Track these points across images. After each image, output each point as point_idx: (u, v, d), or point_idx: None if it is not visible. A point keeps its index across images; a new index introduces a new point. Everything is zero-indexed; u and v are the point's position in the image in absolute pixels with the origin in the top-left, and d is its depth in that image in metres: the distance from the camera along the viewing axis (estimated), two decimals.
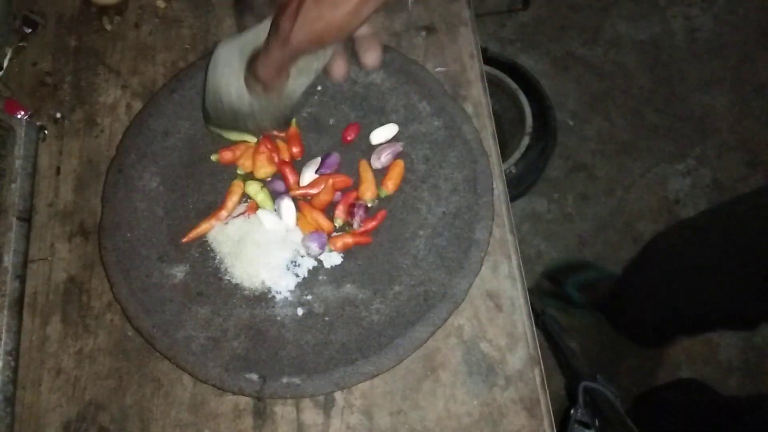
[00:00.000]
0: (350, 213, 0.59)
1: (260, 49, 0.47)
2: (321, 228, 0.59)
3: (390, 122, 0.63)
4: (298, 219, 0.59)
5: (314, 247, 0.57)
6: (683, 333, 1.25)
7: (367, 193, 0.60)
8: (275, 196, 0.61)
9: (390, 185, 0.60)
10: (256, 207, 0.60)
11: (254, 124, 0.53)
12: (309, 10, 0.43)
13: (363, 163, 0.61)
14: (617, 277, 1.26)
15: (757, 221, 0.81)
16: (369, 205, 0.60)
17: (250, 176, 0.62)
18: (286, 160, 0.62)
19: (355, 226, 0.59)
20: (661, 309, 1.03)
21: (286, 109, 0.52)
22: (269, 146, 0.62)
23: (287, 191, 0.61)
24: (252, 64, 0.48)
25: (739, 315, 0.94)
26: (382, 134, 0.62)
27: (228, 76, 0.50)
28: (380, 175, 0.61)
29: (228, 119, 0.53)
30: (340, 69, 0.51)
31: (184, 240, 0.59)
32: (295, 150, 0.62)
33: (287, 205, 0.59)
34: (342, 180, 0.61)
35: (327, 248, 0.58)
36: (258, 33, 0.49)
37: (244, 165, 0.61)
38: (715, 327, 1.12)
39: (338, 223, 0.59)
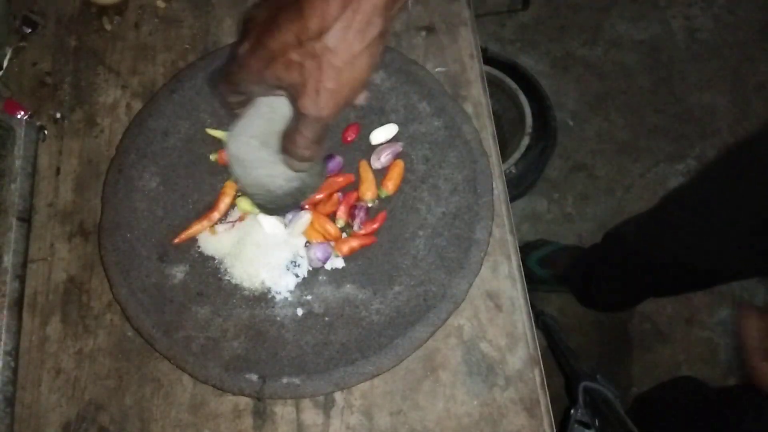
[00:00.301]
0: (351, 215, 0.59)
1: (289, 131, 0.47)
2: (329, 235, 0.58)
3: (390, 122, 0.63)
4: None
5: (318, 259, 0.57)
6: (660, 291, 1.25)
7: (368, 193, 0.60)
8: None
9: (390, 185, 0.60)
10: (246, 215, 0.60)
11: (310, 191, 0.55)
12: (329, 81, 0.43)
13: (363, 164, 0.61)
14: (573, 246, 1.34)
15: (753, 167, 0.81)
16: (369, 205, 0.60)
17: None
18: None
19: (356, 227, 0.59)
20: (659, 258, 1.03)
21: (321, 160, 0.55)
22: None
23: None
24: (288, 149, 0.48)
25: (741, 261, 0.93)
26: (382, 134, 0.62)
27: (266, 170, 0.51)
28: (380, 175, 0.61)
29: (288, 202, 0.54)
30: (362, 95, 0.51)
31: (176, 241, 0.59)
32: None
33: (304, 217, 0.59)
34: (345, 179, 0.61)
35: (333, 254, 0.58)
36: (262, 119, 0.50)
37: None
38: (707, 281, 1.11)
39: (340, 224, 0.59)
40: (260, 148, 0.50)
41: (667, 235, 0.99)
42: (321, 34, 0.42)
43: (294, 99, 0.45)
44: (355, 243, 0.58)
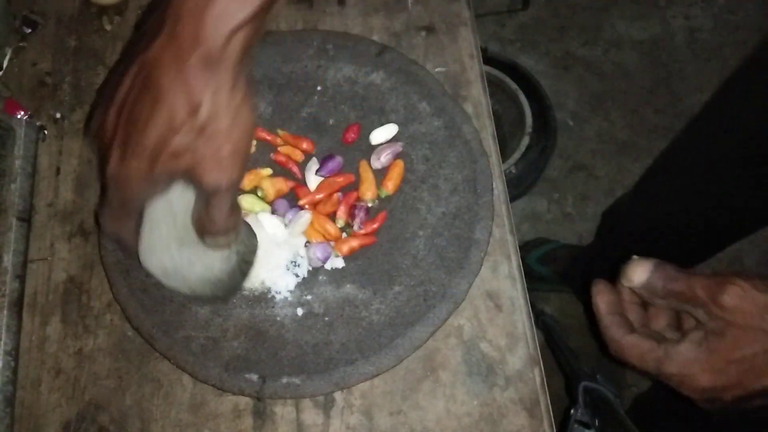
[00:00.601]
0: (351, 214, 0.59)
1: (201, 215, 0.44)
2: (329, 235, 0.58)
3: (390, 122, 0.63)
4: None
5: (318, 259, 0.57)
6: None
7: (368, 193, 0.60)
8: (280, 207, 0.60)
9: (390, 185, 0.60)
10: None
11: (252, 254, 0.51)
12: (225, 147, 0.40)
13: (363, 164, 0.61)
14: (573, 245, 1.34)
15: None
16: (369, 205, 0.60)
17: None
18: (298, 161, 0.62)
19: (356, 227, 0.59)
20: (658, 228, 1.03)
21: (250, 228, 0.52)
22: (281, 159, 0.62)
23: (296, 203, 0.61)
24: (208, 231, 0.45)
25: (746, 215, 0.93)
26: (382, 134, 0.62)
27: (200, 265, 0.47)
28: (380, 175, 0.61)
29: (238, 278, 0.50)
30: None
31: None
32: (305, 146, 0.62)
33: (304, 217, 0.58)
34: (345, 179, 0.61)
35: (333, 254, 0.58)
36: (162, 222, 0.46)
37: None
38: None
39: (339, 223, 0.59)
40: (181, 249, 0.47)
41: (660, 198, 1.00)
42: (194, 110, 0.39)
43: (196, 181, 0.42)
44: (355, 243, 0.58)
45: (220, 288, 0.50)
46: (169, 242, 0.46)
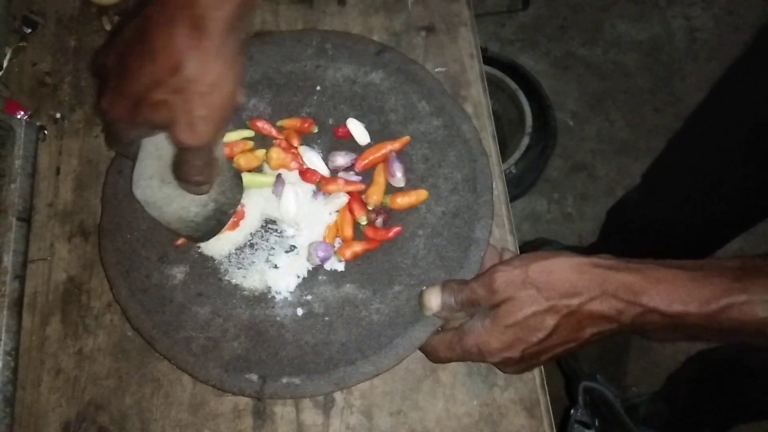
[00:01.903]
0: (374, 212, 0.59)
1: (177, 164, 0.49)
2: (342, 232, 0.58)
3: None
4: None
5: (318, 257, 0.57)
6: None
7: (373, 196, 0.59)
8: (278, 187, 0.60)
9: (399, 202, 0.59)
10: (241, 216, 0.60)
11: (232, 206, 0.55)
12: (199, 109, 0.43)
13: (380, 167, 0.60)
14: (573, 246, 1.35)
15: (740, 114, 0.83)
16: (370, 208, 0.59)
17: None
18: (296, 145, 0.62)
19: (379, 223, 0.58)
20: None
21: (230, 168, 0.55)
22: (284, 144, 0.62)
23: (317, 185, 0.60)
24: (182, 179, 0.49)
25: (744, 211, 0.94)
26: (358, 131, 0.62)
27: (177, 203, 0.52)
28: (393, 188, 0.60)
29: (213, 225, 0.54)
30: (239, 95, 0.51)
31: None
32: (306, 125, 0.62)
33: (342, 198, 0.58)
34: (356, 186, 0.60)
35: (336, 258, 0.58)
36: (152, 158, 0.51)
37: (238, 162, 0.61)
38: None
39: (362, 221, 0.58)
40: (162, 185, 0.51)
41: (666, 193, 1.01)
42: (176, 69, 0.42)
43: (170, 135, 0.45)
44: (358, 248, 0.57)
45: (194, 230, 0.54)
46: (153, 176, 0.51)
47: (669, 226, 1.01)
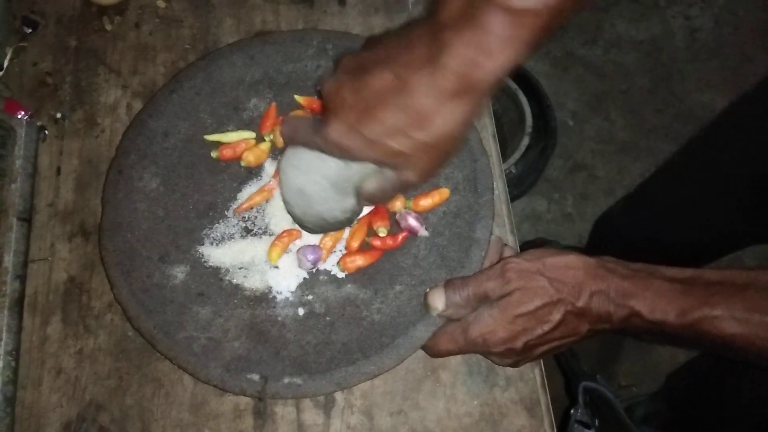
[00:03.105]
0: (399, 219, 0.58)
1: (378, 185, 0.51)
2: (349, 243, 0.58)
3: None
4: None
5: (308, 261, 0.56)
6: None
7: (397, 202, 0.58)
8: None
9: (422, 204, 0.58)
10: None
11: (356, 216, 0.57)
12: (434, 162, 0.47)
13: None
14: (572, 246, 1.34)
15: (736, 141, 0.83)
16: (397, 214, 0.58)
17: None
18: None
19: (403, 225, 0.57)
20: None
21: None
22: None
23: None
24: (375, 199, 0.53)
25: (726, 239, 0.95)
26: None
27: (328, 206, 0.54)
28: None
29: (336, 227, 0.57)
30: None
31: (237, 210, 0.60)
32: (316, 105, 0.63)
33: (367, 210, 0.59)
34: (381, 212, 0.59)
35: (338, 267, 0.57)
36: (336, 163, 0.51)
37: (248, 159, 0.61)
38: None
39: (381, 232, 0.57)
40: (329, 188, 0.53)
41: (650, 212, 1.02)
42: (424, 124, 0.44)
43: (396, 169, 0.48)
44: (361, 261, 0.57)
45: (320, 227, 0.57)
46: (327, 178, 0.52)
47: (652, 246, 1.01)
